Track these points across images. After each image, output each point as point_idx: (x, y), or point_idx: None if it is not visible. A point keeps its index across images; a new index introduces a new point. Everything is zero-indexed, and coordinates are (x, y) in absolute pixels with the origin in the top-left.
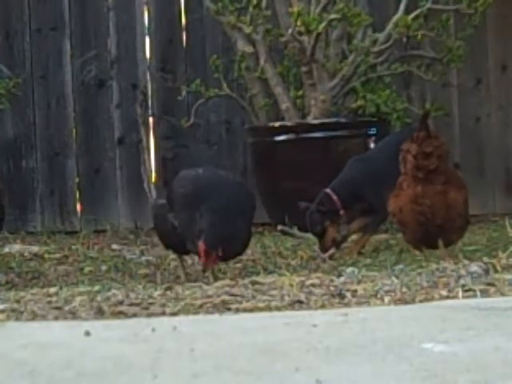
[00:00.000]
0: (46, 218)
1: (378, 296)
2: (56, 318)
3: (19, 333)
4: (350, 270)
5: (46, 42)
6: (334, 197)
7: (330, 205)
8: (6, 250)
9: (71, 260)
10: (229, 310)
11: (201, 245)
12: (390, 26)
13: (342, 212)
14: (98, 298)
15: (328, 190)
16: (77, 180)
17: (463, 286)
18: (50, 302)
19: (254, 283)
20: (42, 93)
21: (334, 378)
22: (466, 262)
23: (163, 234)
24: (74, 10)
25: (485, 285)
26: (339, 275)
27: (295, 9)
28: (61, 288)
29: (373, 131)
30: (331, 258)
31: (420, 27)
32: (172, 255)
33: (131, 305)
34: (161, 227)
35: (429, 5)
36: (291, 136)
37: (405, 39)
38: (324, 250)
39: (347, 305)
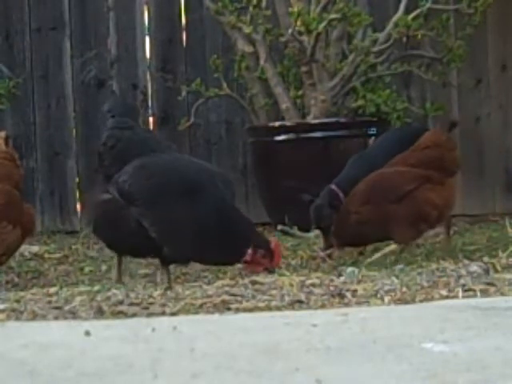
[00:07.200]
0: (46, 218)
1: (378, 296)
2: (56, 318)
3: (19, 333)
4: (349, 269)
5: (46, 42)
6: (340, 194)
7: (334, 200)
8: None
9: (71, 260)
10: (229, 309)
11: (275, 242)
12: (389, 26)
13: None
14: (98, 298)
15: (333, 186)
16: (77, 180)
17: (463, 285)
18: (49, 302)
19: (254, 283)
20: (42, 93)
21: (334, 377)
22: (466, 261)
23: (118, 235)
24: (74, 10)
25: (485, 285)
26: (339, 275)
27: (295, 9)
28: (61, 288)
29: (373, 131)
30: (331, 256)
31: (420, 27)
32: None
33: (131, 305)
34: (114, 226)
35: (429, 5)
36: (291, 136)
37: (405, 39)
38: (327, 246)
39: (347, 305)
